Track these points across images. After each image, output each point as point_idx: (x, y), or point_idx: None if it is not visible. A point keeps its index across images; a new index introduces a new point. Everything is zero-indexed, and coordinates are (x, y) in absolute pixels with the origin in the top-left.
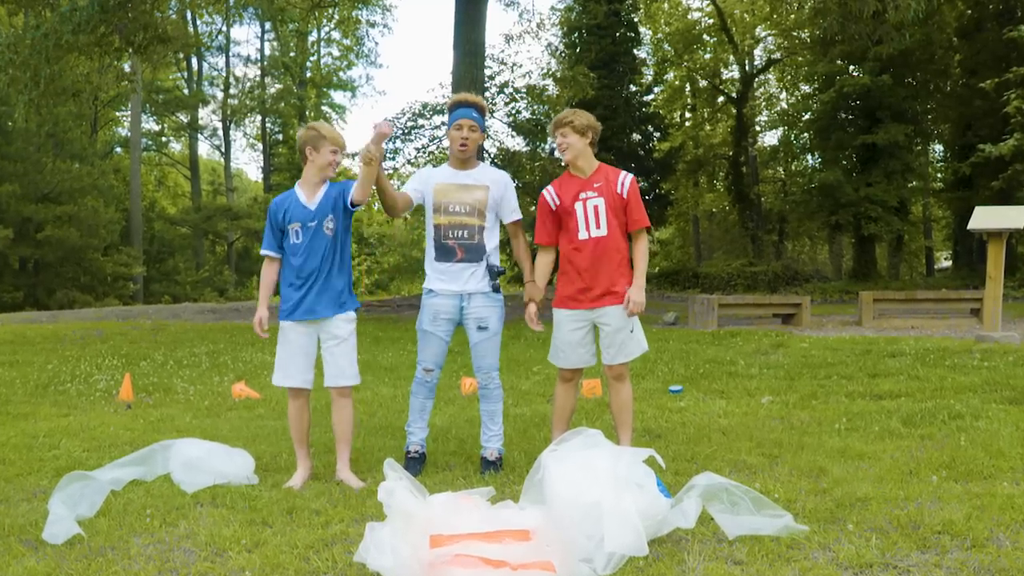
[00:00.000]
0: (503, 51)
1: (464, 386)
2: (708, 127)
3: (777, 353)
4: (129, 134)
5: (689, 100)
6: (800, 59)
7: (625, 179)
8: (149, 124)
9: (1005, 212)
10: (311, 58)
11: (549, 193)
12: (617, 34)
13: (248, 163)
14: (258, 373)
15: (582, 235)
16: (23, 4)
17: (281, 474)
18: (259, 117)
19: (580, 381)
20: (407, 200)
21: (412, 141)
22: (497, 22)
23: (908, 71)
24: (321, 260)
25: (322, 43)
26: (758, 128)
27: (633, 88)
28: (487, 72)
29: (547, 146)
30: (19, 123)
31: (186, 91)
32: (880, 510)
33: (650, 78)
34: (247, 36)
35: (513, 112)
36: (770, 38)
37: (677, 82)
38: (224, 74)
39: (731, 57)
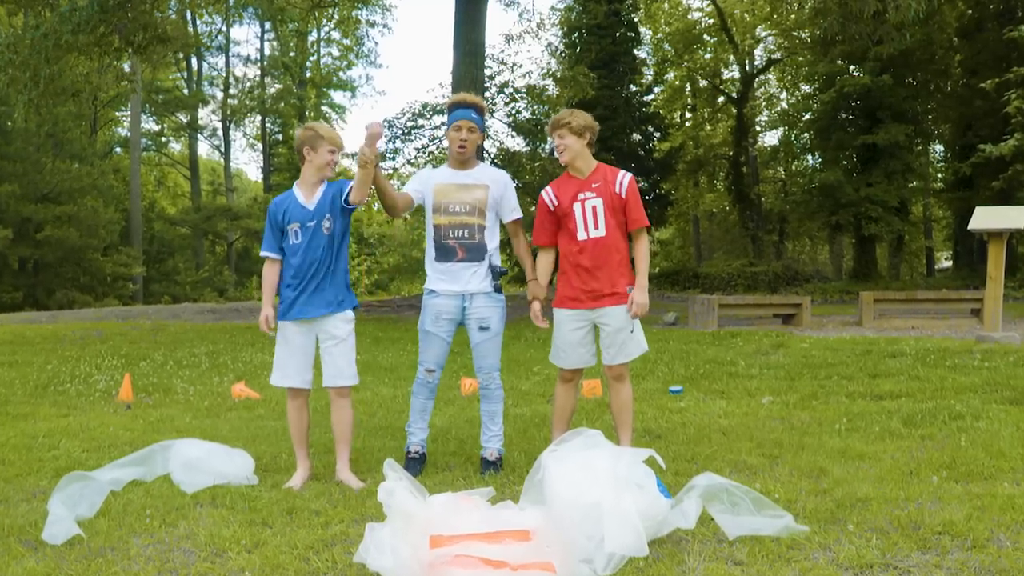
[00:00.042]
0: (503, 51)
1: (464, 386)
2: (708, 127)
3: (777, 353)
4: (129, 134)
5: (689, 100)
6: (800, 59)
7: (623, 178)
8: (149, 124)
9: (1006, 212)
10: (311, 58)
11: (547, 194)
12: (617, 34)
13: (248, 163)
14: (258, 373)
15: (581, 236)
16: (23, 4)
17: (281, 474)
18: (259, 117)
19: (580, 381)
20: (407, 200)
21: (412, 141)
22: (497, 22)
23: (909, 71)
24: (319, 260)
25: (322, 43)
26: (758, 128)
27: (633, 88)
28: (487, 72)
29: (547, 146)
30: (19, 123)
31: (186, 91)
32: (880, 510)
33: (650, 78)
34: (247, 36)
35: (513, 112)
36: (770, 38)
37: (677, 82)
38: (224, 74)
39: (731, 57)
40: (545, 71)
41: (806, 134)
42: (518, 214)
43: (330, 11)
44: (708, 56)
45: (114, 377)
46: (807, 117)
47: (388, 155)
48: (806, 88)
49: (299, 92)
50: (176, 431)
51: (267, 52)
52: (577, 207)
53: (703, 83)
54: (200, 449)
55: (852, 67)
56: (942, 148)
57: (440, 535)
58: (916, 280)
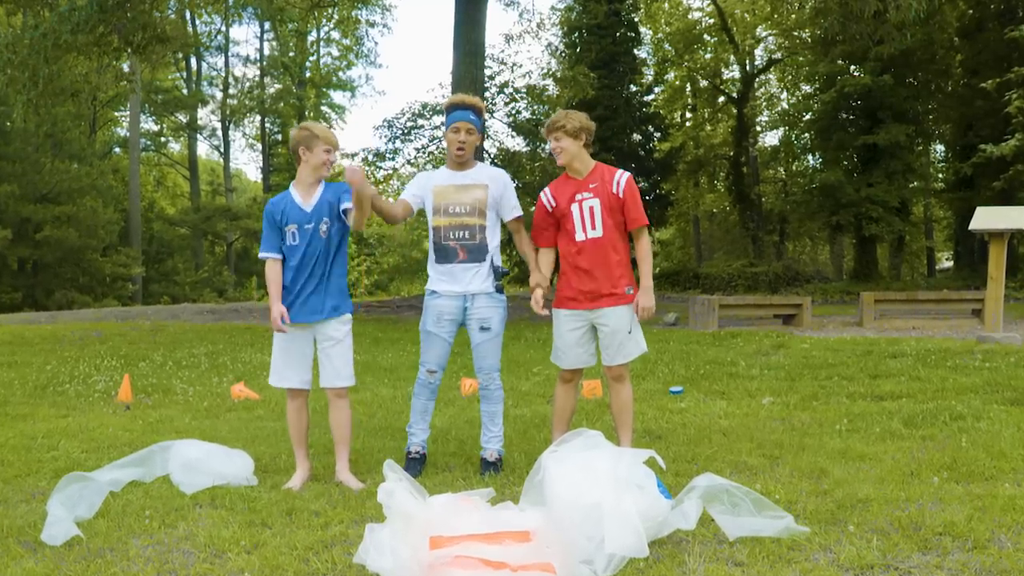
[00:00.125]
0: (503, 51)
1: (464, 387)
2: (709, 127)
3: (778, 354)
4: (128, 134)
5: (689, 100)
6: (801, 59)
7: (621, 178)
8: (148, 124)
9: (1006, 212)
10: (310, 58)
11: (545, 195)
12: (617, 34)
13: (247, 163)
14: (257, 374)
15: (579, 237)
16: (22, 4)
17: (280, 475)
18: (258, 117)
19: (580, 382)
20: (407, 207)
21: (412, 141)
22: (497, 22)
23: (909, 71)
24: (316, 262)
25: (321, 43)
26: (759, 128)
27: (633, 88)
28: (487, 72)
29: (547, 146)
30: (18, 123)
31: (185, 91)
32: (881, 511)
33: (650, 78)
34: (246, 36)
35: (513, 112)
36: (771, 38)
37: (677, 82)
38: (223, 74)
39: (732, 57)
40: (545, 71)
41: (807, 134)
42: (519, 212)
43: (330, 11)
44: (708, 56)
45: (113, 378)
46: (808, 117)
47: (388, 155)
48: (807, 88)
49: (298, 92)
50: (175, 432)
51: (266, 52)
52: (575, 208)
53: (703, 83)
54: (199, 450)
55: (853, 67)
56: (943, 148)
57: (440, 536)
58: (917, 280)
